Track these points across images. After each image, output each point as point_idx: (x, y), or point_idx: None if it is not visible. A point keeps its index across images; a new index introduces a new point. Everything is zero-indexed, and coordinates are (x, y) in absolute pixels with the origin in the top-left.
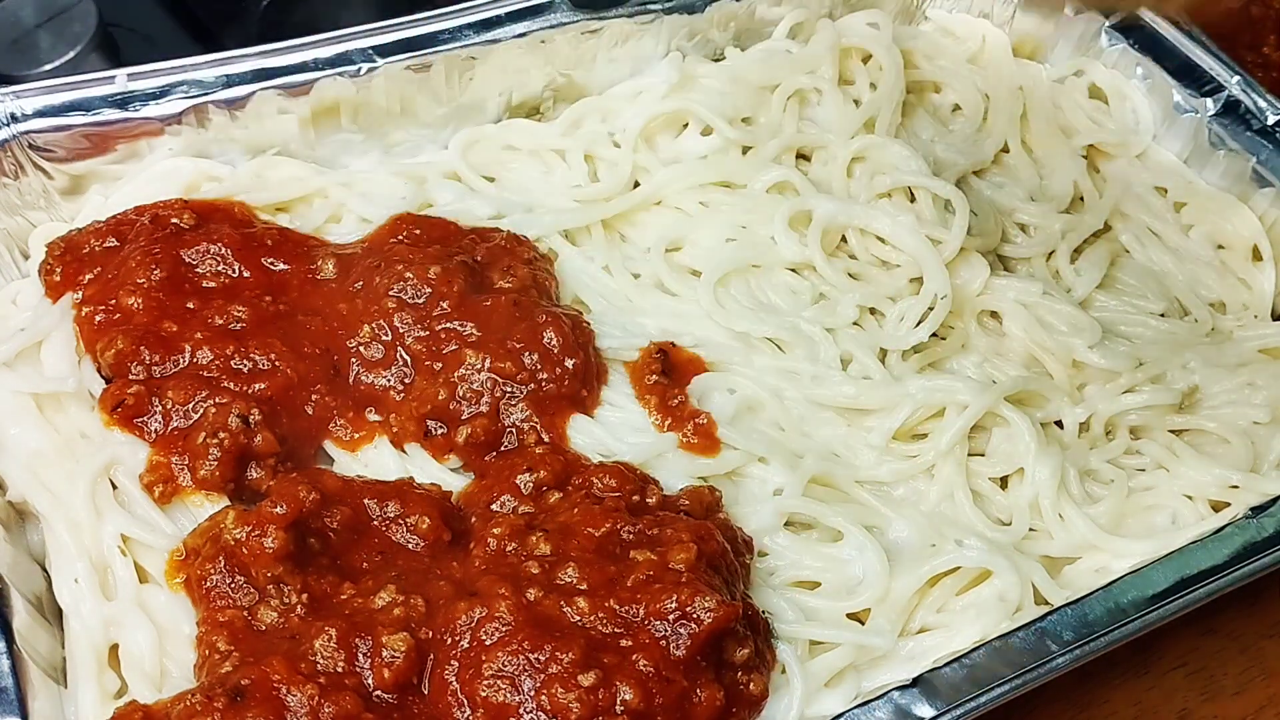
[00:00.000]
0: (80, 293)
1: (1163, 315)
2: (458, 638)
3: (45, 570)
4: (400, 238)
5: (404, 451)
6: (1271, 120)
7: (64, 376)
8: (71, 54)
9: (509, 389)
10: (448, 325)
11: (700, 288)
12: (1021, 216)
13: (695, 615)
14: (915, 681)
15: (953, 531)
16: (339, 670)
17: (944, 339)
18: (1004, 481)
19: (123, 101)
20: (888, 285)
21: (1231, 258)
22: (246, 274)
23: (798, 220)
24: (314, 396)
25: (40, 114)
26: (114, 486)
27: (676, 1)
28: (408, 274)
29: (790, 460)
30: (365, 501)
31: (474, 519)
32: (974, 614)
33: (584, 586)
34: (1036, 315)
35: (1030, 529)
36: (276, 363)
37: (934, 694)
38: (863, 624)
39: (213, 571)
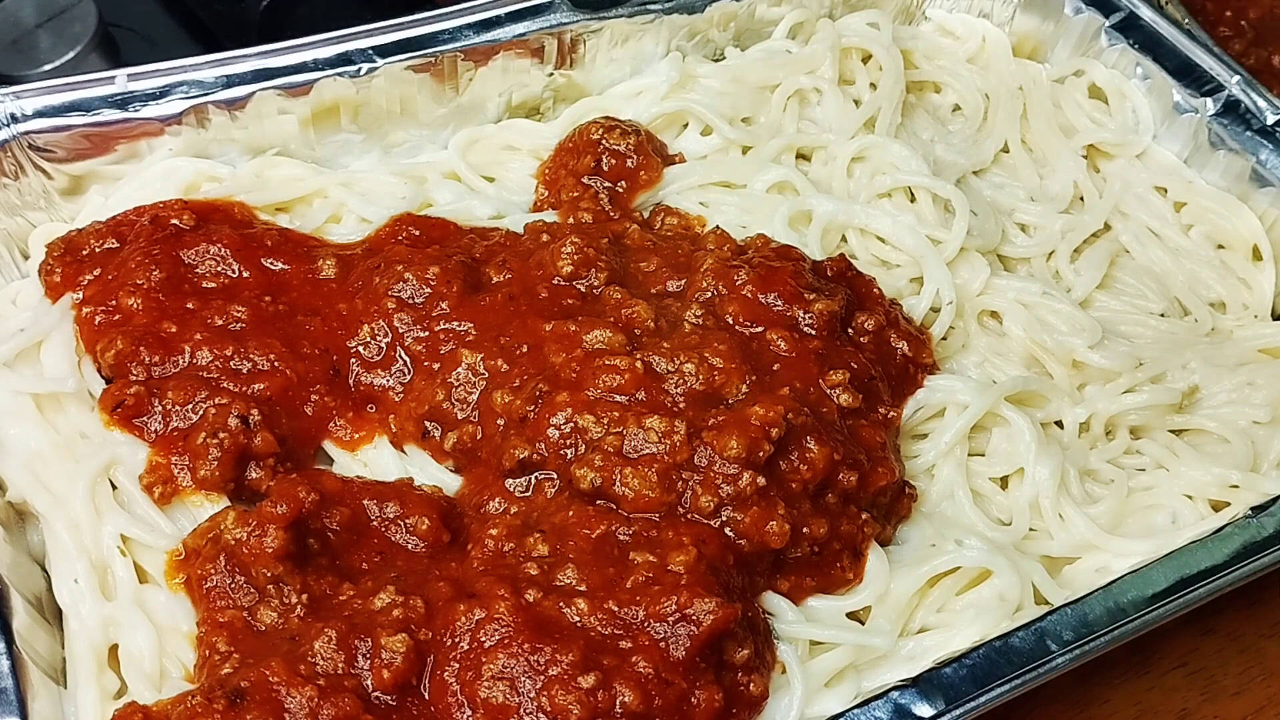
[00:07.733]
0: (80, 293)
1: (1163, 315)
2: (457, 639)
3: (45, 570)
4: (400, 238)
5: (403, 452)
6: (1271, 120)
7: (64, 377)
8: (71, 54)
9: None
10: (446, 325)
11: None
12: (1021, 216)
13: (695, 617)
14: (915, 681)
15: (953, 531)
16: (338, 672)
17: (944, 339)
18: (1004, 481)
19: (123, 102)
20: (888, 285)
21: (1231, 258)
22: (246, 274)
23: (798, 220)
24: (314, 397)
25: (40, 114)
26: (114, 487)
27: (676, 1)
28: (407, 274)
29: None
30: (365, 502)
31: (468, 520)
32: (974, 614)
33: (583, 588)
34: (1036, 315)
35: (1030, 529)
36: (276, 363)
37: (934, 694)
38: (863, 624)
39: (213, 571)
